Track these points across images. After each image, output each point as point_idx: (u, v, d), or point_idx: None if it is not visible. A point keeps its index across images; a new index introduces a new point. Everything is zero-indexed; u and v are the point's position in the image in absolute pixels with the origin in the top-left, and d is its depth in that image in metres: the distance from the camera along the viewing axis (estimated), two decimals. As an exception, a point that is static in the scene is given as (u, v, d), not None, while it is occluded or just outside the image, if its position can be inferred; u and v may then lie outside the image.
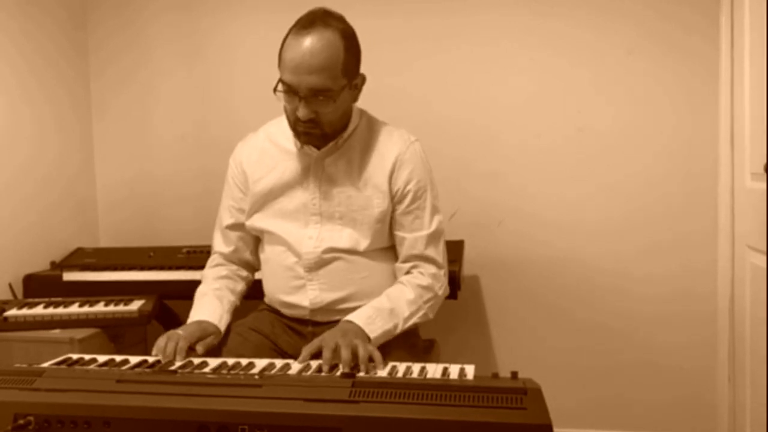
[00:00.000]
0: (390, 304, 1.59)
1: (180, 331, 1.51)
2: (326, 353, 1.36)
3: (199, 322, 1.58)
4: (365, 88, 1.65)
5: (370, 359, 1.37)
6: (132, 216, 2.72)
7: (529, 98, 2.39)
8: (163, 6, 2.62)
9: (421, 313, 1.63)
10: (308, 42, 1.49)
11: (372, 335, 1.50)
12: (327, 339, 1.42)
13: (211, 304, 1.66)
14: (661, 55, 2.29)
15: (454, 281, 2.00)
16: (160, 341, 1.47)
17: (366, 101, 1.69)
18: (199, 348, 1.47)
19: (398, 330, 1.58)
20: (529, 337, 2.46)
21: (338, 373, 1.29)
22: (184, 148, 2.65)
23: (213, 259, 1.82)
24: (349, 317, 1.54)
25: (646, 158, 2.33)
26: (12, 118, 2.33)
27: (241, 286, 1.79)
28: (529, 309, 2.46)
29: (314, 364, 1.38)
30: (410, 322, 1.61)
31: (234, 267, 1.80)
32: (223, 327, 1.62)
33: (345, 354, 1.34)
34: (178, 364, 1.39)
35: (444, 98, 2.43)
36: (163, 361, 1.41)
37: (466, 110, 2.43)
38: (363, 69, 1.62)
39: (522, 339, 2.47)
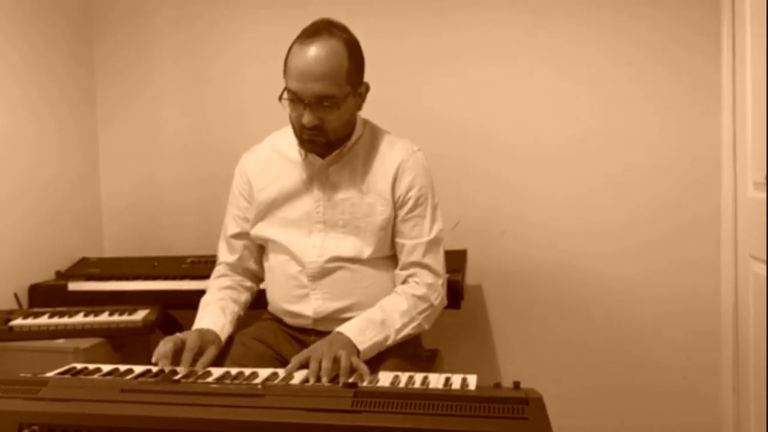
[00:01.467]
0: (382, 315, 1.58)
1: (180, 335, 1.50)
2: (313, 365, 1.36)
3: (200, 330, 1.57)
4: (370, 98, 1.66)
5: (353, 370, 1.37)
6: (136, 225, 2.72)
7: (530, 108, 2.39)
8: (168, 19, 2.64)
9: (414, 324, 1.62)
10: (313, 50, 1.52)
11: (361, 347, 1.49)
12: (315, 350, 1.42)
13: (214, 313, 1.66)
14: (663, 66, 2.29)
15: (457, 291, 2.00)
16: (161, 347, 1.46)
17: (370, 111, 1.70)
18: (199, 366, 1.45)
19: (390, 341, 1.57)
20: (533, 346, 2.45)
21: (340, 383, 1.30)
22: (189, 159, 2.66)
23: (218, 270, 1.82)
24: (340, 329, 1.53)
25: (648, 166, 2.33)
26: (17, 129, 2.34)
27: (245, 297, 1.79)
28: (533, 318, 2.45)
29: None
30: (403, 333, 1.60)
31: (238, 278, 1.81)
32: (224, 337, 1.61)
33: (325, 363, 1.35)
34: (181, 373, 1.40)
35: (446, 108, 2.44)
36: (162, 365, 1.41)
37: (468, 119, 2.43)
38: (367, 80, 1.64)
39: (525, 348, 2.46)
